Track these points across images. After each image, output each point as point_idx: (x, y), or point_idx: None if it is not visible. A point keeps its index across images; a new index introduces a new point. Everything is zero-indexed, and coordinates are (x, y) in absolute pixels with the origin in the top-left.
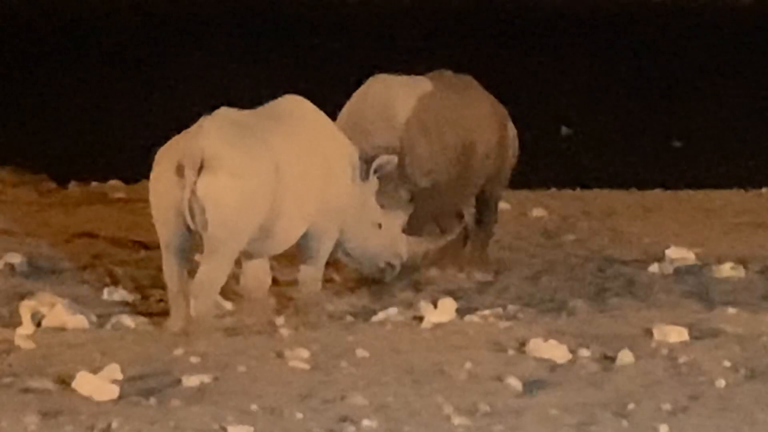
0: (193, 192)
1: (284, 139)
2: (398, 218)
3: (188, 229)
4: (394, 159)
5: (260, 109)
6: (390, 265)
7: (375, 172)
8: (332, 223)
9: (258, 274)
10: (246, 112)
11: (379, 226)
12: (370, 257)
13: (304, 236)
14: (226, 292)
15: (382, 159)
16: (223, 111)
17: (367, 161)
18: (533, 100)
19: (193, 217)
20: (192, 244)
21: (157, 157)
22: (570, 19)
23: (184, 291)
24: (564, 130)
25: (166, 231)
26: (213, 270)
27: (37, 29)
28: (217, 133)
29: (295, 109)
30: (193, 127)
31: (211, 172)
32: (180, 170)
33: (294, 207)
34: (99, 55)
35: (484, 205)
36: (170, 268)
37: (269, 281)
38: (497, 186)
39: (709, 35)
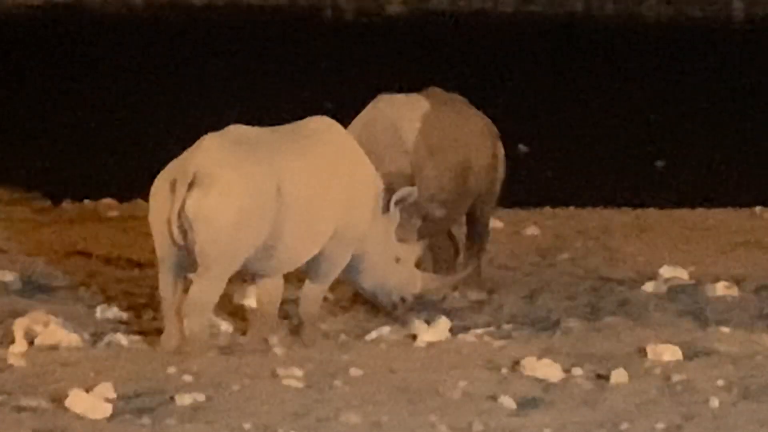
0: (183, 208)
1: (295, 159)
2: (414, 252)
3: (178, 245)
4: (415, 191)
5: (283, 127)
6: (402, 299)
7: (396, 204)
8: (347, 249)
9: (271, 290)
10: (260, 129)
11: (398, 260)
12: (387, 291)
13: (315, 258)
14: (225, 309)
15: (404, 191)
16: (232, 128)
17: (384, 191)
18: (518, 119)
19: (183, 234)
20: (189, 261)
21: (158, 175)
22: (559, 38)
23: (179, 308)
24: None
25: (161, 247)
26: (205, 289)
27: (33, 48)
28: (213, 150)
29: (320, 130)
30: (195, 144)
31: (201, 190)
32: (174, 186)
33: (301, 228)
34: (94, 74)
35: (476, 223)
36: (165, 284)
37: (280, 298)
38: (488, 203)
39: (703, 52)
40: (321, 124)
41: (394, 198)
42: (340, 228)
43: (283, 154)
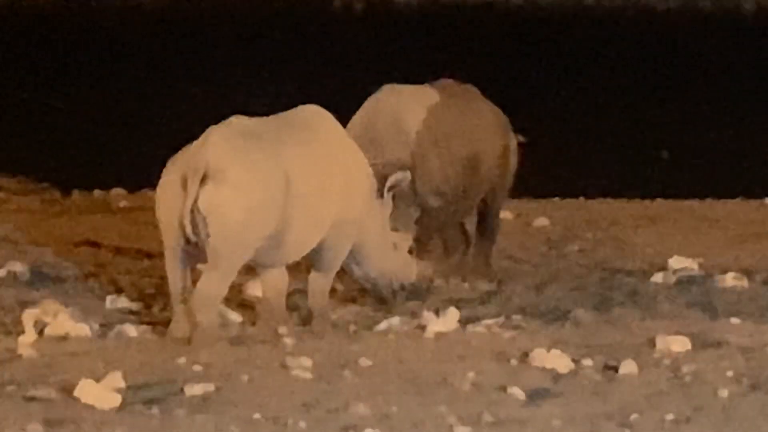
0: (196, 203)
1: (298, 148)
2: (407, 240)
3: (189, 240)
4: (408, 175)
5: (276, 116)
6: (402, 287)
7: (389, 190)
8: (347, 236)
9: (276, 281)
10: (259, 120)
11: (395, 246)
12: (387, 279)
13: (318, 247)
14: (234, 301)
15: (397, 176)
16: (234, 120)
17: (380, 179)
18: (526, 110)
19: (194, 228)
20: (199, 253)
21: (166, 167)
22: (568, 29)
23: (187, 298)
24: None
25: (170, 239)
26: (214, 281)
27: (41, 39)
28: (223, 144)
29: (313, 119)
30: (201, 137)
31: (214, 185)
32: (185, 181)
33: (307, 217)
34: (102, 64)
35: (487, 215)
36: (174, 274)
37: (286, 289)
38: (499, 195)
39: (713, 42)
40: (312, 113)
41: (388, 183)
42: (340, 215)
43: (286, 143)
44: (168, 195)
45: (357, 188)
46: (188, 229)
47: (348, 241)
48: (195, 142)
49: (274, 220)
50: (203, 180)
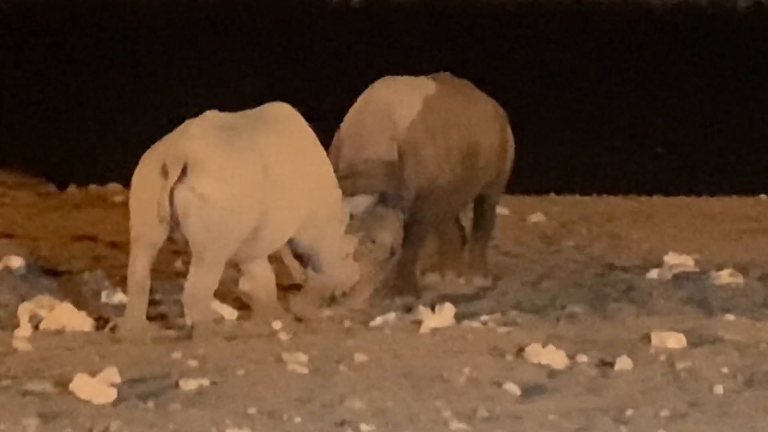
0: (175, 196)
1: (272, 140)
2: (351, 243)
3: (168, 233)
4: (370, 200)
5: (245, 113)
6: (343, 294)
7: (348, 216)
8: (321, 229)
9: (262, 277)
10: (231, 114)
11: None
12: (337, 281)
13: (303, 247)
14: (229, 295)
15: (356, 201)
16: (209, 114)
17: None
18: (524, 104)
19: (175, 221)
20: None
21: (141, 159)
22: (564, 25)
23: (144, 289)
24: None
25: (142, 230)
26: (203, 277)
27: (36, 32)
28: (202, 136)
29: (280, 114)
30: (178, 130)
31: (196, 176)
32: (165, 173)
33: (284, 208)
34: (98, 58)
35: (483, 210)
36: (136, 264)
37: (274, 283)
38: (496, 190)
39: (709, 38)
40: (280, 110)
41: (347, 210)
42: (311, 207)
43: (260, 136)
44: (145, 187)
45: (324, 181)
46: (167, 219)
47: (330, 233)
48: (170, 135)
49: (257, 210)
50: (183, 171)
